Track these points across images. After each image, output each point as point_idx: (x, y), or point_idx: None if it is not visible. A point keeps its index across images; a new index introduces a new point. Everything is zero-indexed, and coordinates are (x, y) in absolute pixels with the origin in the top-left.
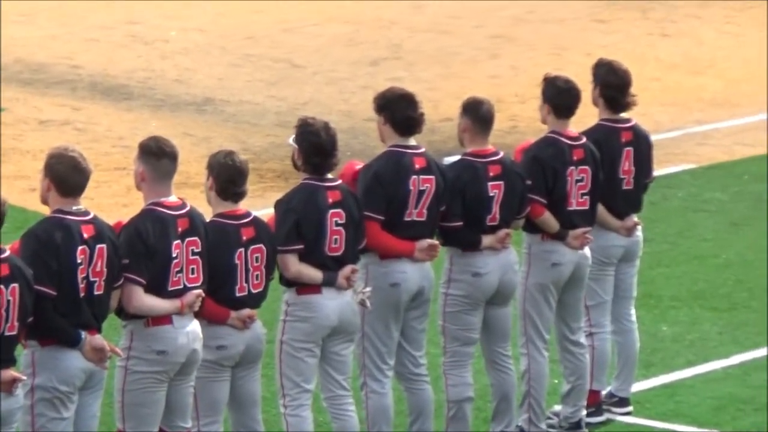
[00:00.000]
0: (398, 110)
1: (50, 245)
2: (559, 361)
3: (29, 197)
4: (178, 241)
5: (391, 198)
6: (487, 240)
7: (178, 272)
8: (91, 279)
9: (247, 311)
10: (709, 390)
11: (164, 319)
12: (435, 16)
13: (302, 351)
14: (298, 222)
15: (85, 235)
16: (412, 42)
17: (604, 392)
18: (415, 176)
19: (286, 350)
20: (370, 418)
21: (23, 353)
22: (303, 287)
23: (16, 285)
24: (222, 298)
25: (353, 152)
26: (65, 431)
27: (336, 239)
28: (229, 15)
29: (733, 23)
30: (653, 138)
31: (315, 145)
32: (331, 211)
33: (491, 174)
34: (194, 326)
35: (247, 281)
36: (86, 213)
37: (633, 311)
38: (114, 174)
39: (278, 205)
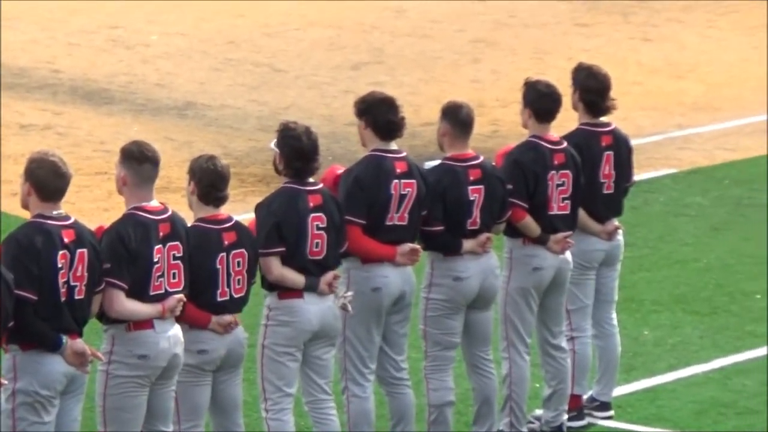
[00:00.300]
0: (379, 114)
1: (31, 250)
2: (541, 366)
3: (11, 202)
4: (160, 246)
5: (372, 202)
6: (468, 244)
7: (159, 277)
8: (72, 283)
9: (228, 318)
10: (691, 394)
11: (145, 323)
12: (416, 21)
13: (284, 355)
14: (279, 225)
15: (66, 240)
16: (394, 46)
17: (585, 396)
18: (396, 180)
19: (267, 354)
20: (351, 422)
21: (4, 357)
22: (285, 292)
23: None
24: (203, 302)
25: (334, 157)
26: None
27: (317, 243)
28: (210, 19)
29: (715, 27)
30: (634, 142)
31: (296, 150)
32: (312, 215)
33: (471, 178)
34: (176, 330)
35: (228, 286)
36: (67, 218)
37: (614, 315)
38: (95, 178)
39: (259, 208)
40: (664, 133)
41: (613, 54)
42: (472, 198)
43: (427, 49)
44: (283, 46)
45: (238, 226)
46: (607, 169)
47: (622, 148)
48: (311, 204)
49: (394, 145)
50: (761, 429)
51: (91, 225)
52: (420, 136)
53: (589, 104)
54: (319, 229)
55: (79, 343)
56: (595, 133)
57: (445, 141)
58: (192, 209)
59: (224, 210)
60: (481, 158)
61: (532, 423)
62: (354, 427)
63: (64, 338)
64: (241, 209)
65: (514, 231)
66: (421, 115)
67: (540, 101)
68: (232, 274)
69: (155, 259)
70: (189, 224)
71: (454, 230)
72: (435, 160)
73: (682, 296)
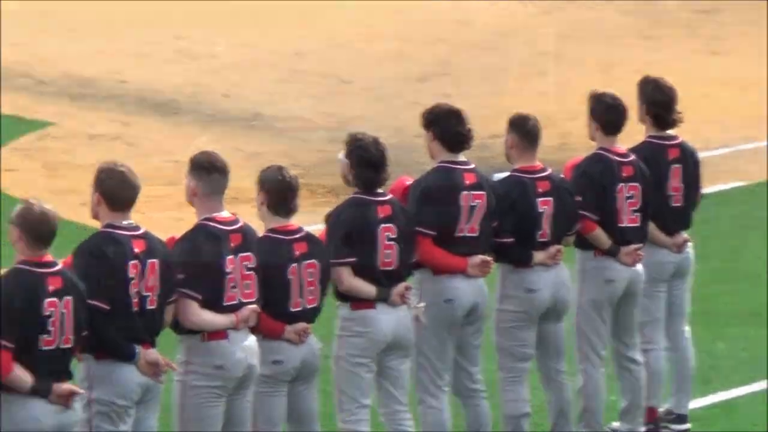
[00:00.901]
0: (446, 126)
1: (102, 260)
2: (616, 378)
3: (80, 211)
4: (232, 256)
5: (441, 213)
6: (538, 256)
7: (232, 287)
8: (144, 293)
9: (301, 324)
10: (766, 407)
11: (220, 333)
12: (482, 33)
13: (358, 366)
14: (349, 234)
15: (136, 250)
16: (460, 58)
17: (661, 409)
18: (465, 192)
19: (342, 366)
20: None
21: (79, 367)
22: (357, 302)
23: (69, 298)
24: (277, 313)
25: (402, 168)
26: None
27: (388, 254)
28: (276, 31)
29: None
30: (702, 155)
31: (365, 160)
32: (382, 225)
33: (540, 190)
34: (251, 341)
35: (301, 296)
36: (137, 228)
37: (686, 328)
38: (165, 189)
39: (328, 218)
40: (732, 145)
41: (679, 67)
42: (541, 210)
43: (493, 62)
44: (349, 57)
45: (309, 237)
46: (675, 182)
47: (689, 162)
48: (381, 215)
49: (462, 157)
50: None
51: (162, 235)
52: (489, 149)
53: (656, 117)
54: (389, 239)
55: (153, 353)
56: (662, 146)
57: (513, 153)
58: (262, 220)
59: (294, 221)
60: (550, 170)
61: None
62: None
63: (138, 348)
64: (311, 220)
65: (584, 243)
66: (489, 127)
67: (606, 114)
68: (305, 284)
69: (228, 270)
70: (260, 235)
71: (524, 242)
72: (504, 171)
73: (756, 310)
